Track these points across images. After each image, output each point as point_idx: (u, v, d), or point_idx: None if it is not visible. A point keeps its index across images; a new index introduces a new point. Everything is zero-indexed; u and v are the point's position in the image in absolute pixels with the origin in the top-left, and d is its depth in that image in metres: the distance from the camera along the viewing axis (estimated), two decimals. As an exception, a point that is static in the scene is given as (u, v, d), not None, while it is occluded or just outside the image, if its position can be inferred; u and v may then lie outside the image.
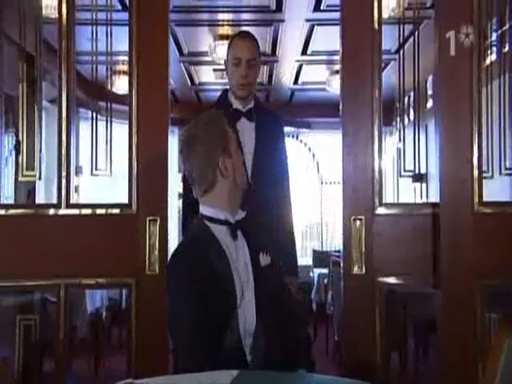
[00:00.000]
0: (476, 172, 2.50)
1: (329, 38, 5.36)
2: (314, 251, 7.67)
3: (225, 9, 5.13)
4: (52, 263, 2.49)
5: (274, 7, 5.02)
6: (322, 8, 4.98)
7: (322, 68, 6.81)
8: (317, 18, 5.24)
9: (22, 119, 2.62)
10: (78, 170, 3.94)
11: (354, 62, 2.58)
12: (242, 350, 1.73)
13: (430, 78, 4.27)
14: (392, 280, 2.56)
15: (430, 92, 5.28)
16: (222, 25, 5.49)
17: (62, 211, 2.53)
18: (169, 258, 1.89)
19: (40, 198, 4.04)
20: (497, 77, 2.62)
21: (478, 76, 2.52)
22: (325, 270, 5.95)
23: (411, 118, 3.04)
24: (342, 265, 2.59)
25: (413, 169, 2.71)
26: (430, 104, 5.50)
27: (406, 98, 2.93)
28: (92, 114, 2.67)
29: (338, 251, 5.81)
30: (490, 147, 2.57)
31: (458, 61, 2.50)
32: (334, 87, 6.69)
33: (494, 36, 2.67)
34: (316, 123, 8.67)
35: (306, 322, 4.75)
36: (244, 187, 1.89)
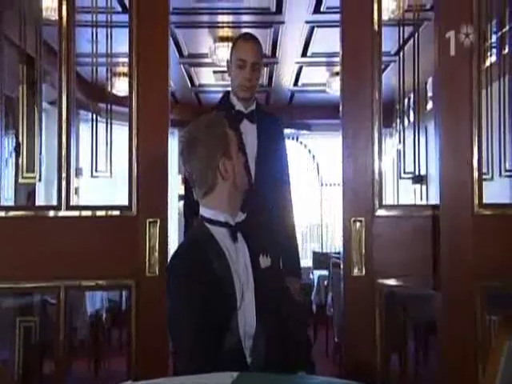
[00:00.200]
0: (476, 174, 2.51)
1: (329, 40, 5.37)
2: (314, 253, 7.67)
3: (225, 11, 5.12)
4: (52, 265, 2.49)
5: (274, 9, 5.02)
6: (321, 10, 4.98)
7: (321, 70, 6.80)
8: (317, 20, 5.24)
9: (22, 121, 2.62)
10: (78, 172, 3.93)
11: (354, 64, 2.59)
12: (242, 351, 1.73)
13: (430, 80, 4.28)
14: (392, 282, 2.56)
15: (429, 94, 5.30)
16: (222, 27, 5.49)
17: (62, 213, 2.53)
18: (169, 260, 1.89)
19: (40, 200, 4.04)
20: (497, 79, 2.62)
21: (478, 78, 2.52)
22: (325, 272, 5.95)
23: (411, 119, 3.05)
24: (341, 266, 2.59)
25: (413, 170, 2.71)
26: (429, 106, 5.51)
27: (406, 100, 2.94)
28: (92, 116, 2.68)
29: (338, 253, 5.82)
30: (490, 149, 2.57)
31: (458, 62, 2.51)
32: (334, 89, 6.69)
33: (494, 38, 2.68)
34: (316, 125, 8.67)
35: (306, 324, 4.74)
36: (244, 189, 1.89)
